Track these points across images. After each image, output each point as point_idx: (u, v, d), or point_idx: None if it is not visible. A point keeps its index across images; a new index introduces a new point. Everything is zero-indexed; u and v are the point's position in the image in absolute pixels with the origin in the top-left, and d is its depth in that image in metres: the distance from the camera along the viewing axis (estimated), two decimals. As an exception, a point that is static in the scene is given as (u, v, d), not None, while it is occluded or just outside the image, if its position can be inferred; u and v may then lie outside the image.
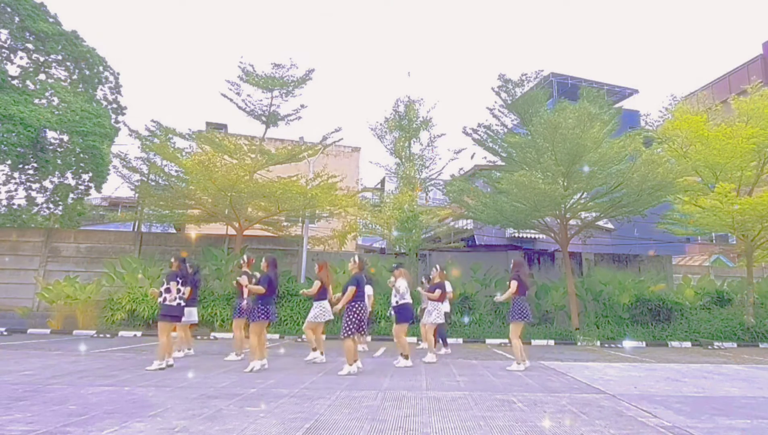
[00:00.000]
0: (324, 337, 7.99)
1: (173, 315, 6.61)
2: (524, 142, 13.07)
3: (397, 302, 7.35)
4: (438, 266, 8.72)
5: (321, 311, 7.33)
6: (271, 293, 6.63)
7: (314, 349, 7.55)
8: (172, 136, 14.56)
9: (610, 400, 4.98)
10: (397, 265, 7.85)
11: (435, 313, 8.12)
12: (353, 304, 6.46)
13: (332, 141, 15.45)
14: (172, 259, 6.97)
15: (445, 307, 8.66)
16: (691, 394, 5.38)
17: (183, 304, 6.77)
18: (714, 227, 13.80)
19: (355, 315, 6.45)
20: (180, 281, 6.70)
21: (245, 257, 8.01)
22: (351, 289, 6.41)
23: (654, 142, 14.41)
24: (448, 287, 8.86)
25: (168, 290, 6.55)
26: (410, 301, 7.42)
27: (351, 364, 6.35)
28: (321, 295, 7.35)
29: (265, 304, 6.54)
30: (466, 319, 12.79)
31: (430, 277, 9.55)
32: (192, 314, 7.84)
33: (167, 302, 6.53)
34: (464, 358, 8.50)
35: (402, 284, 7.36)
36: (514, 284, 7.03)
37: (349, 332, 6.37)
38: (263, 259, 6.90)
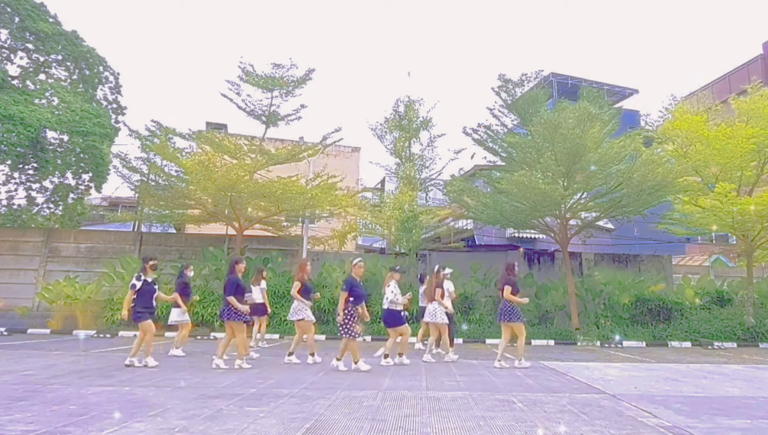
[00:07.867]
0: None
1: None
2: (524, 142, 13.05)
3: (386, 308, 7.39)
4: (437, 267, 8.60)
5: (293, 310, 7.50)
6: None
7: (312, 354, 7.58)
8: (172, 136, 14.54)
9: (610, 400, 4.98)
10: (394, 267, 7.86)
11: (439, 312, 8.06)
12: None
13: (332, 141, 15.44)
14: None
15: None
16: (691, 394, 5.38)
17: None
18: (714, 227, 13.79)
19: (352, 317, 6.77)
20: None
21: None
22: (344, 294, 6.70)
23: (654, 142, 14.39)
24: (451, 286, 8.65)
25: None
26: (398, 308, 7.26)
27: (358, 361, 6.77)
28: (302, 294, 7.51)
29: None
30: (464, 327, 12.58)
31: (422, 277, 9.67)
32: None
33: None
34: (464, 358, 8.49)
35: (389, 290, 7.38)
36: (508, 290, 7.26)
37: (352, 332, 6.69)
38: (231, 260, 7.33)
